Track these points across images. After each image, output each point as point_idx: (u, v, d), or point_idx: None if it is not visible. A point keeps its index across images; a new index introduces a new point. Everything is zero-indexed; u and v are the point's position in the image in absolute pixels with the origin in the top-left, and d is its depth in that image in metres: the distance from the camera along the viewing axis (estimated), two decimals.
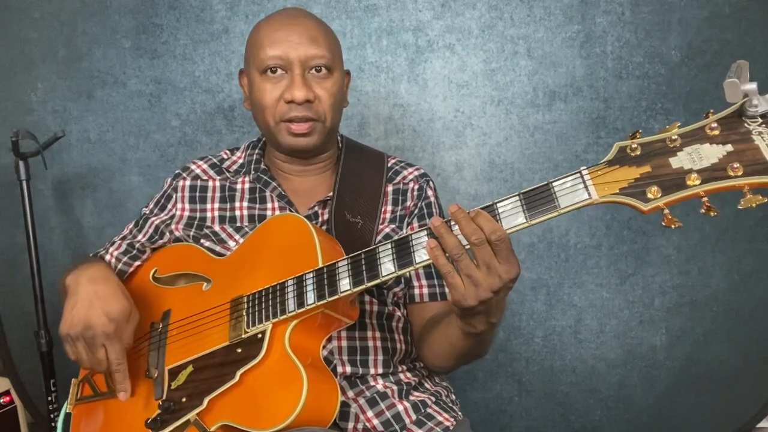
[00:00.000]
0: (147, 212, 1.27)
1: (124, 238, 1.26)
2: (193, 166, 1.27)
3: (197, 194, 1.23)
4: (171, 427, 0.94)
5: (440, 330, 1.09)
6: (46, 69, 1.77)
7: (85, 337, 1.00)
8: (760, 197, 0.68)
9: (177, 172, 1.27)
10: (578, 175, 0.78)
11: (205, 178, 1.24)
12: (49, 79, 1.77)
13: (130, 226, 1.28)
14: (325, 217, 1.17)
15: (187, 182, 1.24)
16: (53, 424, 1.62)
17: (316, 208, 1.17)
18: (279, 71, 1.11)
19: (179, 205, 1.23)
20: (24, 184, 1.60)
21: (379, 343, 1.11)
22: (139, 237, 1.24)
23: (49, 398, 1.62)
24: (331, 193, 1.18)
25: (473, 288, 0.82)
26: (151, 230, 1.24)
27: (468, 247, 0.81)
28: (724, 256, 1.71)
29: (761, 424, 1.76)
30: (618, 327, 1.76)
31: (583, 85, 1.66)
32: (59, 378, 1.62)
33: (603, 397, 1.79)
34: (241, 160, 1.26)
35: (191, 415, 0.92)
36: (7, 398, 1.65)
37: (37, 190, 1.74)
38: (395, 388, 1.10)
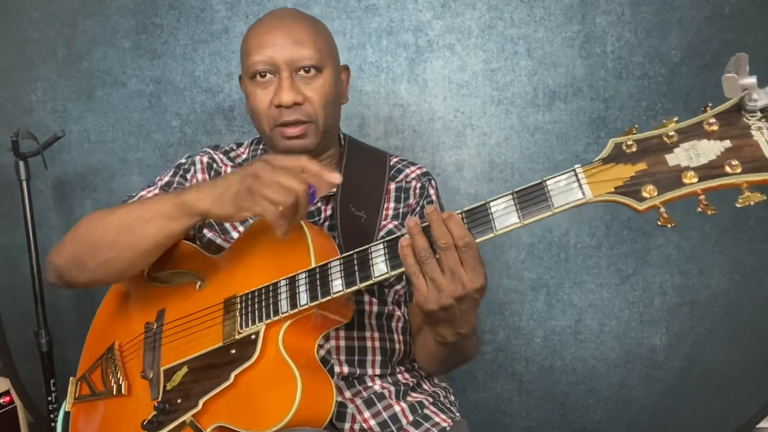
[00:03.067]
0: (162, 183, 1.21)
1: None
2: (209, 150, 1.25)
3: (212, 174, 1.20)
4: (167, 429, 0.94)
5: (422, 335, 1.10)
6: (46, 69, 1.77)
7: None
8: (759, 194, 0.66)
9: (189, 155, 1.25)
10: (572, 173, 0.76)
11: (220, 164, 1.23)
12: (49, 79, 1.78)
13: (142, 193, 1.20)
14: (328, 212, 1.17)
15: (205, 159, 1.22)
16: (53, 424, 1.62)
17: (318, 204, 1.17)
18: (268, 75, 1.10)
19: (199, 177, 1.20)
20: (24, 184, 1.60)
21: (377, 344, 1.11)
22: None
23: (49, 398, 1.63)
24: (334, 189, 1.18)
25: (435, 292, 0.82)
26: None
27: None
28: (724, 256, 1.70)
29: (761, 424, 1.76)
30: (618, 327, 1.75)
31: (583, 85, 1.66)
32: (59, 378, 1.62)
33: (603, 397, 1.79)
34: (245, 155, 1.26)
35: (186, 417, 0.92)
36: (7, 398, 1.65)
37: (37, 190, 1.75)
38: (393, 388, 1.10)
